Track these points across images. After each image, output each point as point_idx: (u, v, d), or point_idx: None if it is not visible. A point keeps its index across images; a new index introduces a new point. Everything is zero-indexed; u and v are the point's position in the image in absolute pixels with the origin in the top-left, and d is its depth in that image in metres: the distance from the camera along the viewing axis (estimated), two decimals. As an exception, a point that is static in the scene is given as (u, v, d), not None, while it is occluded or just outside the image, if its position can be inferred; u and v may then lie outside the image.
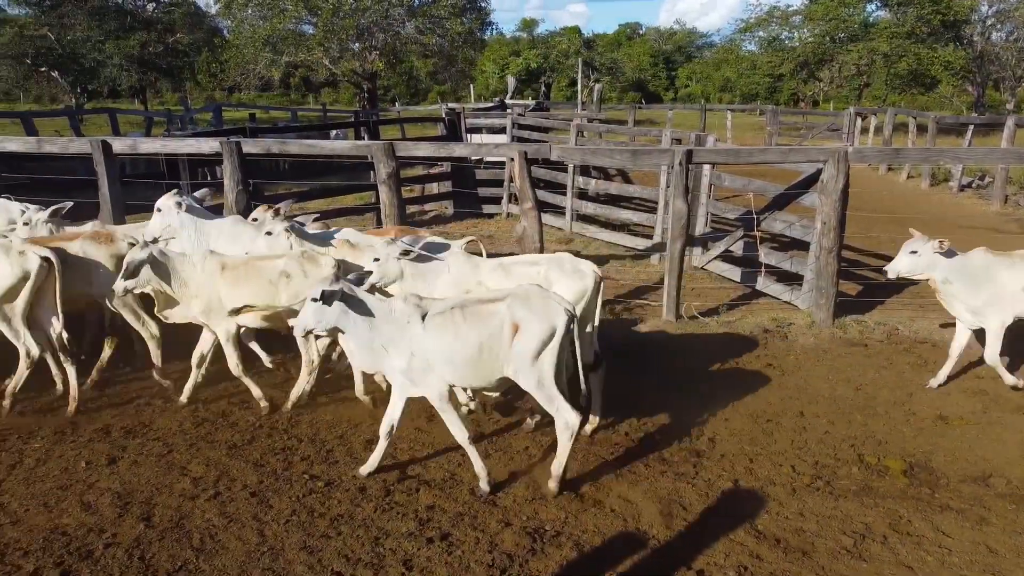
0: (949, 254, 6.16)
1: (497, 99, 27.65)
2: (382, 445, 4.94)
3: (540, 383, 4.57)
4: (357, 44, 34.06)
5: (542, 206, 8.68)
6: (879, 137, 22.93)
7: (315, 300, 4.51)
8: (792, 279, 8.71)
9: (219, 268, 5.75)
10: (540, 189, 11.17)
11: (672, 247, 7.98)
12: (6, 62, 38.35)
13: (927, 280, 6.30)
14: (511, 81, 32.94)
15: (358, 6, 32.17)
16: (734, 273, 9.67)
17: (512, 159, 8.28)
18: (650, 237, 11.29)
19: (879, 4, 37.40)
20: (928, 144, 18.50)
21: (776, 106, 35.39)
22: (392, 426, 4.89)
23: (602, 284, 5.62)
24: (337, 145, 9.40)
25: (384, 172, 8.18)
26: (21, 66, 38.86)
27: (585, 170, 13.36)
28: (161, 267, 5.64)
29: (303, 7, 32.56)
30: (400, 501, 4.68)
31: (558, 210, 13.00)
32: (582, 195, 12.89)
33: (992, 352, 6.24)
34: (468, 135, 15.67)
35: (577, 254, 11.33)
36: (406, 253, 5.57)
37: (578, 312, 5.32)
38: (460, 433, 4.77)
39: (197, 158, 10.65)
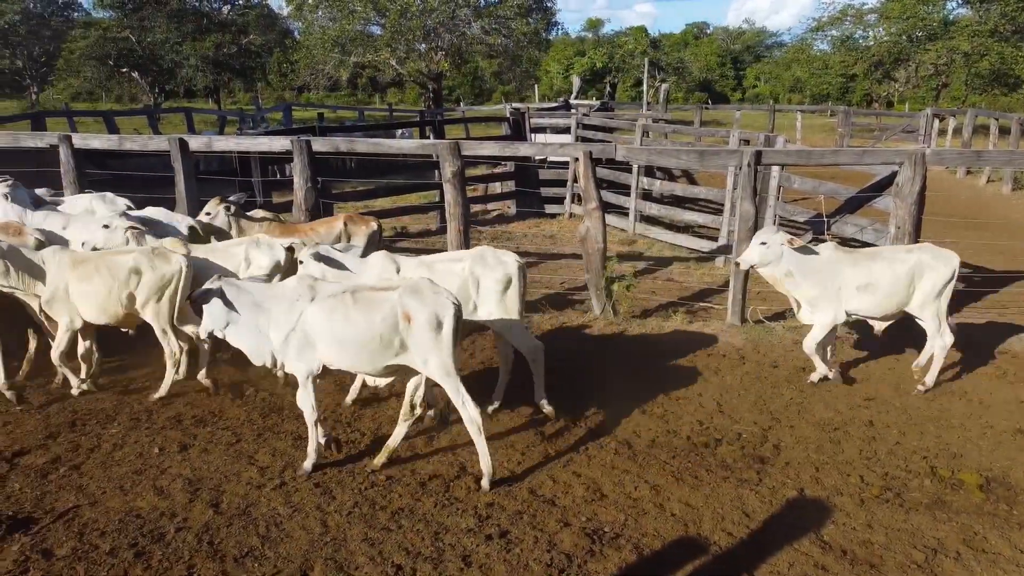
0: (800, 249, 6.30)
1: (562, 99, 27.59)
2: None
3: (447, 371, 4.72)
4: (423, 45, 34.44)
5: (605, 207, 8.62)
6: (957, 139, 22.12)
7: (205, 303, 4.72)
8: (863, 284, 8.45)
9: (70, 263, 5.84)
10: (603, 190, 11.10)
11: (738, 249, 7.83)
12: (91, 63, 40.11)
13: (768, 272, 6.41)
14: (576, 81, 32.76)
15: (425, 7, 32.52)
16: (802, 277, 9.44)
17: (577, 159, 8.25)
18: (715, 239, 11.12)
19: (960, 1, 36.08)
20: (1011, 147, 17.76)
21: (848, 107, 34.41)
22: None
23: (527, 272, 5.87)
24: (404, 144, 9.51)
25: (449, 171, 8.24)
26: (104, 67, 40.59)
27: (649, 171, 13.24)
28: (13, 261, 5.75)
29: (372, 9, 33.09)
30: (460, 497, 4.72)
31: (621, 211, 12.91)
32: (646, 196, 12.77)
33: (811, 340, 6.41)
34: (532, 135, 15.68)
35: (640, 256, 11.29)
36: (319, 258, 5.61)
37: (507, 301, 5.58)
38: (309, 414, 4.93)
39: (268, 156, 10.91)
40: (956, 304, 8.53)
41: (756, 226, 8.07)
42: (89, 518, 4.46)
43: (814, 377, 6.57)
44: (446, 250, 8.37)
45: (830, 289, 6.27)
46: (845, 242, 10.49)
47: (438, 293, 4.76)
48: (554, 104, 25.07)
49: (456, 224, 8.31)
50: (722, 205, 11.06)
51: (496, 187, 15.12)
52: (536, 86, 41.65)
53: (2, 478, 4.89)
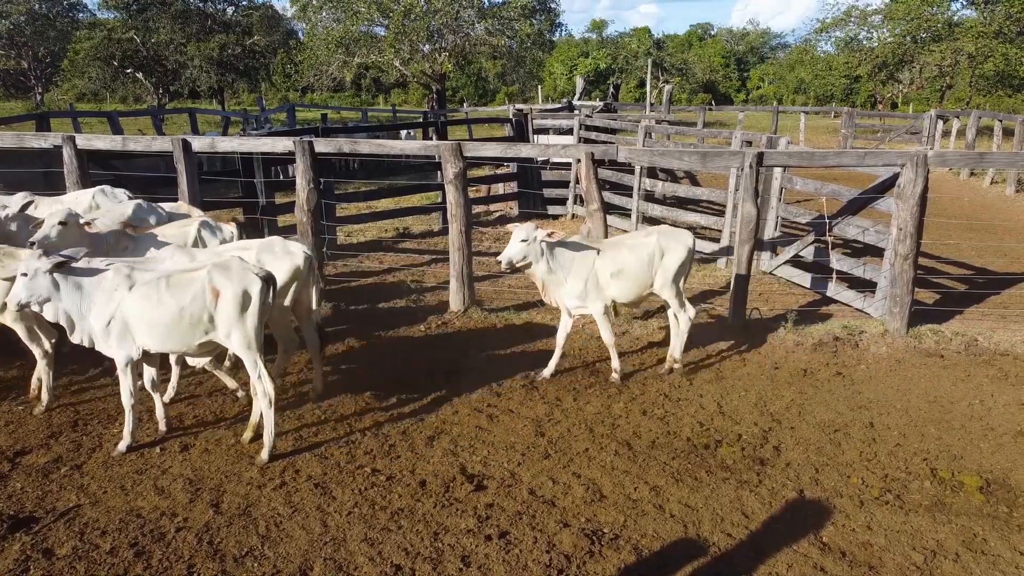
0: (555, 244, 6.39)
1: (565, 100, 27.61)
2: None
3: (248, 345, 4.96)
4: (427, 46, 34.52)
5: (607, 208, 8.64)
6: (961, 140, 22.12)
7: (23, 275, 4.84)
8: (865, 286, 8.46)
9: None
10: (606, 191, 11.11)
11: (740, 251, 7.84)
12: (96, 64, 40.27)
13: (531, 270, 6.41)
14: (579, 82, 32.82)
15: (429, 8, 32.59)
16: (803, 279, 9.45)
17: (579, 160, 8.25)
18: (717, 240, 11.12)
19: (965, 2, 36.04)
20: (1016, 148, 17.72)
21: (852, 108, 34.36)
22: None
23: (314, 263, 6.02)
24: (407, 145, 9.51)
25: (451, 172, 8.25)
26: (109, 67, 40.75)
27: (652, 172, 13.24)
28: None
29: (376, 10, 33.16)
30: (459, 498, 4.72)
31: (624, 212, 12.91)
32: (648, 197, 12.77)
33: (607, 335, 6.59)
34: (535, 136, 15.69)
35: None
36: (60, 266, 5.24)
37: (292, 291, 5.72)
38: (127, 399, 5.14)
39: (271, 157, 10.93)
40: (957, 305, 8.55)
41: (758, 228, 8.08)
42: (90, 517, 4.47)
43: (615, 376, 6.65)
44: (447, 250, 8.41)
45: (591, 279, 6.44)
46: (848, 243, 10.51)
47: (245, 268, 4.94)
48: (557, 105, 25.09)
49: (458, 225, 8.32)
50: (724, 206, 11.05)
51: (499, 188, 15.13)
52: (540, 87, 41.74)
53: (4, 477, 4.91)
